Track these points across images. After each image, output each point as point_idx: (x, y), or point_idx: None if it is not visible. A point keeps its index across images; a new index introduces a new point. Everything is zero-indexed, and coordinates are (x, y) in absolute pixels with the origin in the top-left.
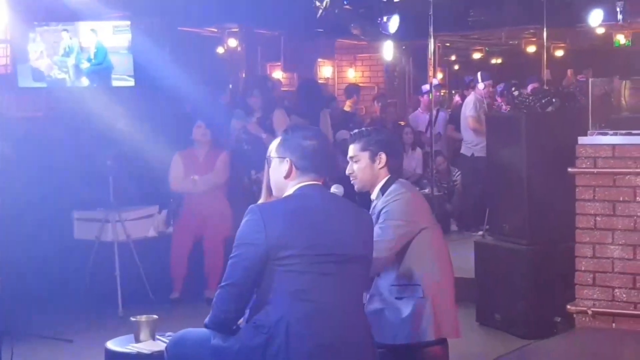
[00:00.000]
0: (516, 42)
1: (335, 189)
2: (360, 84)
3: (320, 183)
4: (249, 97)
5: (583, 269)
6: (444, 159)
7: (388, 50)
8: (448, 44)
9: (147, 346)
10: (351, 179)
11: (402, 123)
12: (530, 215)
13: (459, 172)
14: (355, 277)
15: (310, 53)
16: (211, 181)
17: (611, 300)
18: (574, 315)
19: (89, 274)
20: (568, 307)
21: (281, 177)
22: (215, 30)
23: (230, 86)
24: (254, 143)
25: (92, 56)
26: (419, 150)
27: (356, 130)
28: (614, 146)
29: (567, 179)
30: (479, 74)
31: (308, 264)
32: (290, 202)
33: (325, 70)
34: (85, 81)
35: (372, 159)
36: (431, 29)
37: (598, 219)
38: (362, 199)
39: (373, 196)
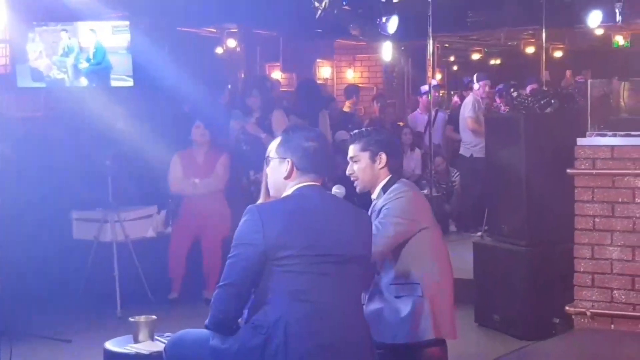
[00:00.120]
0: (515, 43)
1: (337, 189)
2: (359, 85)
3: (319, 184)
4: (247, 97)
5: (582, 270)
6: (443, 160)
7: (387, 51)
8: (447, 45)
9: (145, 347)
10: (352, 179)
11: (401, 124)
12: (529, 216)
13: (457, 173)
14: (354, 278)
15: (309, 53)
16: (212, 185)
17: (610, 302)
18: (573, 317)
19: (87, 274)
20: (567, 308)
21: (281, 177)
22: (214, 30)
23: (229, 86)
24: (253, 143)
25: (91, 56)
26: (417, 151)
27: (356, 131)
28: (612, 147)
29: (566, 180)
30: (475, 75)
31: (306, 264)
32: (289, 203)
33: (324, 71)
34: (84, 81)
35: (373, 159)
36: (430, 30)
37: (597, 220)
38: (361, 199)
39: (374, 195)
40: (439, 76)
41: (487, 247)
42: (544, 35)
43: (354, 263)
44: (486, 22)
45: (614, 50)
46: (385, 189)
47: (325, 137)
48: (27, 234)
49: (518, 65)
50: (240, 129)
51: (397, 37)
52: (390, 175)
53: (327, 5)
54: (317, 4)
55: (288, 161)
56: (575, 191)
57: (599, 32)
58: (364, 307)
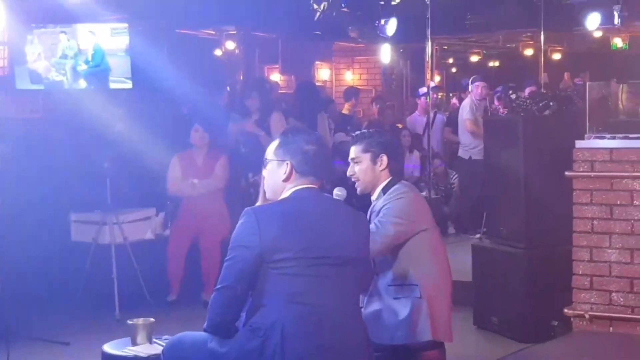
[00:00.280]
0: (513, 45)
1: (338, 191)
2: (358, 87)
3: (316, 186)
4: (246, 99)
5: (580, 272)
6: (442, 162)
7: (386, 53)
8: (445, 47)
9: (143, 349)
10: (353, 180)
11: (400, 126)
12: (527, 219)
13: (456, 175)
14: (351, 280)
15: (308, 55)
16: (211, 186)
17: (608, 304)
18: (571, 319)
19: (86, 276)
20: (565, 310)
21: (279, 180)
22: (213, 32)
23: (228, 88)
24: (252, 146)
25: (89, 58)
26: (416, 153)
27: (358, 132)
28: (611, 150)
29: (565, 183)
30: (471, 78)
31: (303, 266)
32: (286, 205)
33: (322, 73)
34: (82, 83)
35: (374, 160)
36: (429, 32)
37: (595, 222)
38: (360, 201)
39: (374, 197)
40: (437, 78)
41: (486, 250)
42: (542, 37)
43: (352, 265)
44: (485, 25)
45: (612, 52)
46: (385, 190)
47: (324, 140)
48: (25, 236)
49: (516, 68)
50: (239, 132)
51: (396, 39)
52: (391, 177)
53: (325, 7)
54: (315, 6)
55: (287, 164)
56: (574, 194)
57: (598, 34)
58: (363, 308)
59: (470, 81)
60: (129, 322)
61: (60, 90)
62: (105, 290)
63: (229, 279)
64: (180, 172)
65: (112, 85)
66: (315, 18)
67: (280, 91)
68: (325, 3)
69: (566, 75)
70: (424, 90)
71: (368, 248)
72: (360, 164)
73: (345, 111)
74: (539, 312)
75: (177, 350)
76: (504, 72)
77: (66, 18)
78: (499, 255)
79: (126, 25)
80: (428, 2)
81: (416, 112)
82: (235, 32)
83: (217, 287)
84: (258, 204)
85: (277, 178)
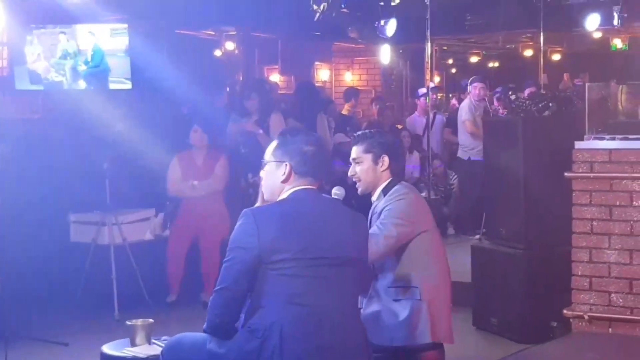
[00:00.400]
0: (513, 46)
1: (337, 190)
2: (358, 87)
3: (315, 187)
4: (246, 100)
5: (579, 273)
6: (441, 163)
7: (385, 54)
8: (445, 48)
9: (142, 350)
10: (354, 180)
11: (399, 126)
12: (527, 220)
13: (456, 176)
14: (350, 281)
15: (308, 56)
16: (211, 187)
17: (607, 305)
18: (571, 320)
19: (85, 277)
20: (564, 311)
21: (278, 181)
22: (213, 33)
23: (228, 89)
24: (251, 146)
25: (89, 59)
26: (416, 154)
27: (359, 132)
28: (610, 151)
29: (564, 184)
30: (470, 79)
31: (302, 267)
32: (284, 206)
33: (322, 74)
34: (82, 84)
35: (375, 161)
36: (428, 33)
37: (595, 223)
38: (359, 202)
39: (374, 197)
40: (437, 79)
41: (485, 250)
42: (542, 38)
43: (350, 266)
44: (484, 25)
45: (612, 53)
46: (385, 191)
47: (323, 141)
48: (24, 236)
49: (516, 68)
50: (239, 132)
51: (396, 40)
52: (392, 178)
53: (325, 8)
54: (315, 7)
55: (286, 165)
56: (573, 194)
57: (597, 35)
58: (362, 310)
59: (468, 82)
60: (128, 322)
61: (60, 91)
62: (105, 291)
63: (228, 280)
64: (180, 173)
65: (112, 86)
66: (315, 18)
67: (279, 92)
68: (325, 4)
69: (566, 76)
70: (423, 91)
71: (367, 249)
72: (362, 165)
73: (344, 112)
74: (538, 313)
75: (176, 351)
76: (503, 72)
77: (66, 18)
78: (498, 256)
79: (126, 25)
80: (428, 3)
81: (416, 112)
82: (234, 33)
83: (216, 288)
84: (257, 204)
85: (275, 179)
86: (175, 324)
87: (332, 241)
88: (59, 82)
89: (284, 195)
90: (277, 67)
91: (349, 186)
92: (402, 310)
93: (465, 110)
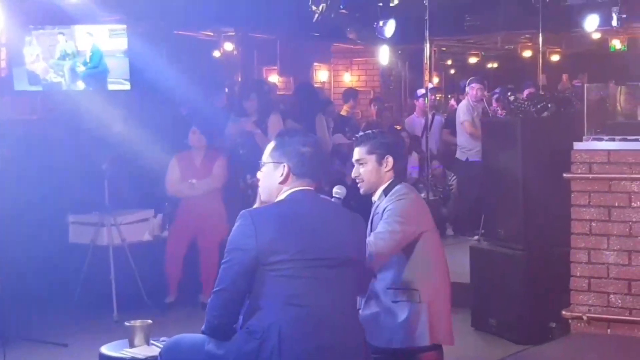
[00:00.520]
0: (512, 46)
1: (338, 189)
2: (356, 88)
3: (312, 188)
4: (245, 101)
5: (578, 274)
6: (440, 164)
7: (384, 55)
8: (444, 49)
9: (141, 351)
10: (357, 181)
11: (398, 127)
12: (526, 220)
13: (454, 177)
14: (348, 282)
15: (307, 57)
16: (209, 185)
17: (606, 306)
18: (569, 321)
19: (84, 277)
20: (563, 312)
21: (276, 182)
22: (212, 33)
23: (227, 89)
24: (250, 147)
25: (87, 60)
26: (415, 155)
27: (361, 134)
28: (609, 152)
29: (563, 184)
30: (468, 80)
31: (300, 268)
32: (282, 207)
33: (321, 74)
34: (81, 85)
35: (379, 162)
36: (427, 34)
37: (593, 224)
38: (358, 202)
39: (375, 198)
40: (436, 80)
41: (484, 251)
42: (540, 39)
43: (348, 267)
44: (483, 26)
45: (610, 54)
46: (387, 191)
47: (321, 142)
48: (23, 237)
49: (515, 69)
50: (237, 133)
51: (395, 41)
52: (393, 178)
53: (324, 8)
54: (314, 8)
55: (284, 166)
56: (572, 195)
57: (596, 36)
58: (361, 310)
59: (467, 83)
60: (127, 323)
61: (59, 92)
62: (103, 292)
63: (226, 281)
64: (179, 173)
65: (111, 87)
66: (314, 19)
67: (278, 92)
68: (324, 4)
69: (564, 76)
70: (422, 91)
71: (365, 249)
72: (366, 166)
73: (343, 112)
74: (537, 314)
75: (175, 352)
76: (502, 73)
77: (64, 19)
78: (497, 257)
79: (124, 26)
80: (426, 4)
81: (414, 113)
82: (233, 34)
83: (215, 289)
84: (256, 205)
85: (273, 180)
86: (173, 325)
87: (330, 242)
88: (58, 83)
89: (281, 197)
90: (275, 67)
91: (348, 186)
92: (401, 312)
93: (463, 111)
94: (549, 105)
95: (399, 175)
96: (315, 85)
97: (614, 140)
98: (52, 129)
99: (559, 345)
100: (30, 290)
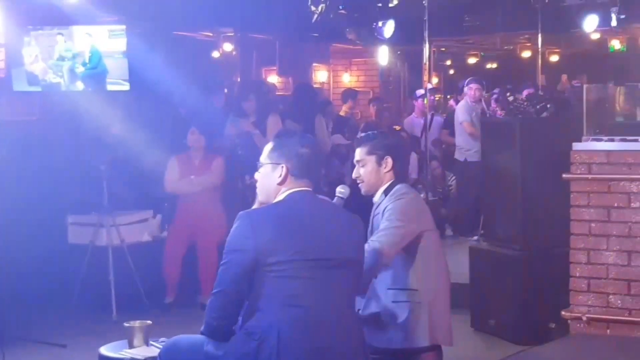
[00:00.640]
0: (511, 47)
1: (342, 189)
2: (356, 89)
3: (310, 189)
4: (244, 102)
5: (578, 275)
6: (439, 164)
7: (383, 55)
8: (443, 49)
9: (140, 352)
10: (358, 182)
11: (398, 127)
12: (525, 221)
13: (453, 177)
14: (346, 282)
15: (306, 57)
16: (207, 181)
17: (606, 307)
18: (569, 322)
19: (83, 278)
20: (563, 313)
21: (274, 183)
22: (211, 34)
23: (226, 90)
24: (248, 148)
25: (86, 60)
26: (414, 155)
27: (362, 135)
28: (608, 152)
29: (562, 185)
30: (466, 80)
31: (298, 269)
32: (280, 208)
33: (320, 75)
34: (80, 85)
35: (379, 162)
36: (426, 34)
37: (593, 225)
38: (356, 202)
39: (376, 198)
40: (435, 80)
41: (483, 252)
42: (540, 39)
43: (347, 267)
44: (482, 27)
45: (610, 54)
46: (387, 191)
47: (318, 143)
48: (22, 238)
49: (514, 70)
50: (236, 134)
51: (394, 41)
52: (393, 179)
53: (323, 9)
54: (313, 8)
55: (282, 167)
56: (571, 196)
57: (595, 36)
58: (361, 311)
59: (465, 83)
60: (126, 324)
61: (58, 92)
62: (102, 293)
63: (225, 282)
64: (179, 172)
65: (110, 87)
66: (313, 20)
67: (277, 93)
68: (323, 5)
69: (563, 77)
70: (421, 92)
71: (363, 250)
72: (366, 167)
73: (342, 113)
74: (536, 315)
75: (174, 353)
76: (501, 74)
77: (63, 20)
78: (496, 258)
79: (123, 27)
80: (425, 4)
81: (413, 114)
82: (232, 34)
83: (214, 291)
84: (254, 206)
85: (271, 181)
86: (172, 326)
87: (328, 243)
88: (57, 84)
89: (279, 197)
90: (274, 68)
91: (348, 186)
92: (401, 313)
93: (462, 111)
94: (548, 105)
95: (400, 176)
96: (315, 86)
97: (613, 140)
98: (51, 130)
99: (559, 345)
100: (29, 291)
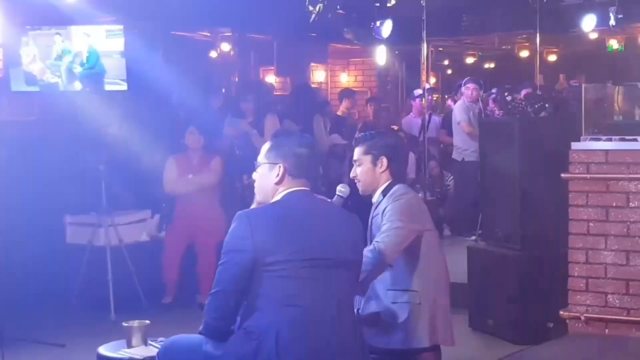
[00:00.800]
0: (509, 47)
1: (342, 188)
2: (353, 89)
3: (308, 189)
4: (242, 102)
5: (576, 274)
6: (437, 164)
7: (381, 55)
8: (441, 49)
9: (139, 351)
10: (355, 181)
11: (395, 127)
12: (523, 221)
13: (451, 177)
14: (344, 282)
15: (303, 57)
16: (205, 180)
17: (604, 306)
18: (567, 321)
19: (81, 278)
20: (561, 312)
21: (271, 182)
22: (208, 34)
23: (224, 90)
24: (246, 148)
25: (84, 60)
26: (412, 155)
27: (361, 134)
28: (607, 152)
29: (560, 185)
30: (464, 80)
31: (296, 269)
32: (278, 208)
33: (318, 75)
34: (78, 85)
35: (374, 162)
36: (424, 34)
37: (591, 224)
38: (354, 201)
39: (374, 199)
40: (433, 80)
41: (481, 252)
42: (538, 39)
43: (344, 267)
44: (480, 26)
45: (608, 54)
46: (385, 192)
47: (316, 143)
48: (20, 238)
49: (512, 69)
50: (235, 134)
51: (392, 41)
52: (391, 180)
53: (321, 9)
54: (311, 8)
55: (280, 166)
56: (570, 195)
57: (593, 36)
58: (361, 311)
59: (462, 83)
60: (124, 324)
61: (56, 92)
62: (101, 293)
63: (223, 283)
64: (177, 172)
65: (107, 87)
66: (311, 20)
67: (275, 93)
68: (321, 5)
69: (561, 77)
70: (419, 92)
71: (361, 250)
72: (362, 166)
73: (339, 112)
74: (534, 314)
75: (172, 353)
76: (499, 73)
77: (61, 20)
78: (494, 258)
79: (121, 27)
80: (423, 4)
81: (411, 114)
82: (230, 34)
83: (212, 291)
84: (253, 206)
85: (269, 181)
86: (171, 326)
87: (326, 242)
88: (55, 84)
89: (277, 197)
90: (272, 68)
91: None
92: (401, 313)
93: (459, 111)
94: (547, 105)
95: (398, 176)
96: (313, 86)
97: (611, 140)
98: (49, 130)
99: (557, 345)
100: (27, 291)
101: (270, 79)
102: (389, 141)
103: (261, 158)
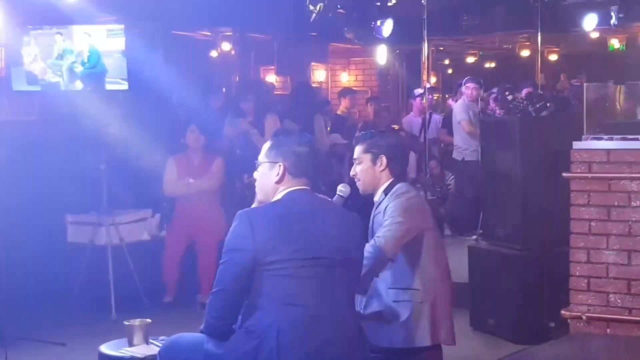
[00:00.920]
0: (510, 46)
1: (342, 187)
2: (354, 88)
3: (308, 188)
4: (242, 102)
5: (577, 274)
6: (437, 163)
7: (382, 54)
8: (442, 48)
9: (140, 350)
10: (355, 180)
11: (396, 127)
12: (524, 220)
13: (452, 177)
14: (345, 281)
15: (304, 57)
16: (206, 184)
17: (606, 306)
18: (568, 321)
19: (82, 277)
20: (562, 312)
21: (272, 181)
22: (209, 34)
23: (224, 90)
24: (247, 148)
25: (85, 60)
26: (412, 154)
27: (362, 133)
28: (608, 151)
29: (562, 184)
30: (464, 79)
31: (297, 268)
32: (278, 207)
33: (318, 74)
34: (79, 85)
35: (374, 161)
36: (425, 33)
37: (593, 224)
38: (354, 200)
39: (376, 198)
40: (433, 79)
41: (482, 251)
42: (539, 38)
43: (345, 266)
44: (481, 26)
45: (609, 53)
46: (387, 191)
47: (316, 142)
48: (21, 237)
49: (513, 69)
50: (235, 133)
51: (392, 41)
52: (393, 178)
53: (321, 8)
54: (311, 7)
55: (280, 165)
56: (571, 195)
57: (595, 35)
58: (362, 310)
59: (462, 82)
60: (126, 323)
61: (57, 92)
62: (102, 292)
63: (224, 282)
64: (177, 173)
65: (108, 87)
66: (311, 19)
67: (276, 92)
68: (321, 4)
69: (562, 76)
70: (419, 91)
71: (362, 249)
72: (361, 165)
73: (339, 111)
74: (535, 314)
75: (174, 351)
76: (500, 73)
77: (62, 19)
78: (495, 257)
79: (122, 26)
80: (424, 3)
81: (412, 113)
82: (231, 34)
83: (213, 290)
84: (253, 205)
85: (269, 180)
86: (172, 325)
87: (327, 241)
88: (56, 83)
89: (278, 196)
90: (273, 67)
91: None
92: (403, 312)
93: (459, 110)
94: (548, 104)
95: (398, 175)
96: (313, 85)
97: (613, 139)
98: (50, 129)
99: (558, 345)
100: (28, 290)
101: (271, 78)
102: (389, 140)
103: (262, 157)
